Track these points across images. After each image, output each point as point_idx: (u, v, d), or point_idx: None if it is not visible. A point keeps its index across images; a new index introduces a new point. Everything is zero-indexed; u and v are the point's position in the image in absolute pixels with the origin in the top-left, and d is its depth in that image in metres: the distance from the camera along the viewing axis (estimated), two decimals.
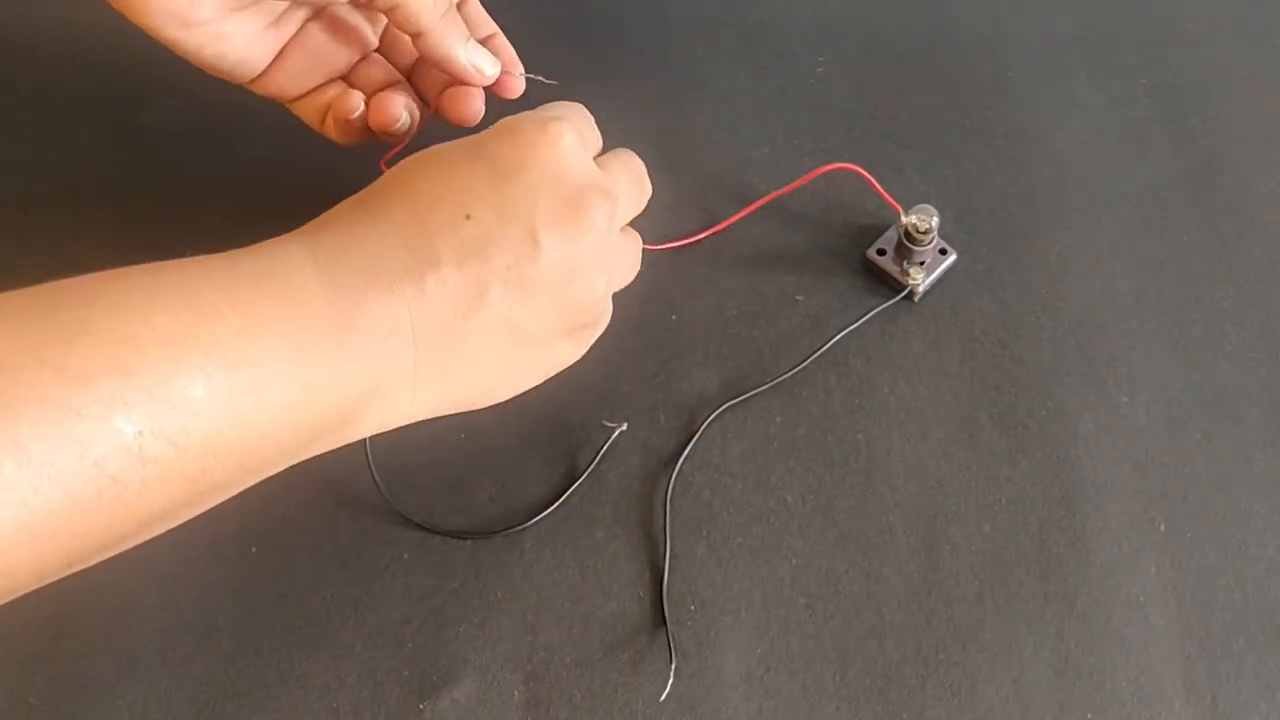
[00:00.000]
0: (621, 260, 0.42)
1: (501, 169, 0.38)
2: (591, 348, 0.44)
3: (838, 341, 0.49)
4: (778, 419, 0.48)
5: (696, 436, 0.47)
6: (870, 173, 0.50)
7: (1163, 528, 0.45)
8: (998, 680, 0.42)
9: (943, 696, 0.42)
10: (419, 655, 0.43)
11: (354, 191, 0.52)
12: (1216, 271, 0.52)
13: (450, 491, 0.46)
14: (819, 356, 0.48)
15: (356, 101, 0.45)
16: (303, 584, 0.44)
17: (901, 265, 0.50)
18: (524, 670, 0.42)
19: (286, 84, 0.45)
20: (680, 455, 0.46)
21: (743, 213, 0.51)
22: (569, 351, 0.42)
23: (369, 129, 0.46)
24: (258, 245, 0.36)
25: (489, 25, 0.48)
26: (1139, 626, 0.43)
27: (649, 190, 0.44)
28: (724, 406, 0.47)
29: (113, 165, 0.54)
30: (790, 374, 0.48)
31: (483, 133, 0.40)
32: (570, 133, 0.39)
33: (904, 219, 0.50)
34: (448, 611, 0.44)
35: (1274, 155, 0.55)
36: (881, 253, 0.51)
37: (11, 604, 0.31)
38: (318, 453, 0.36)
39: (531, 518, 0.45)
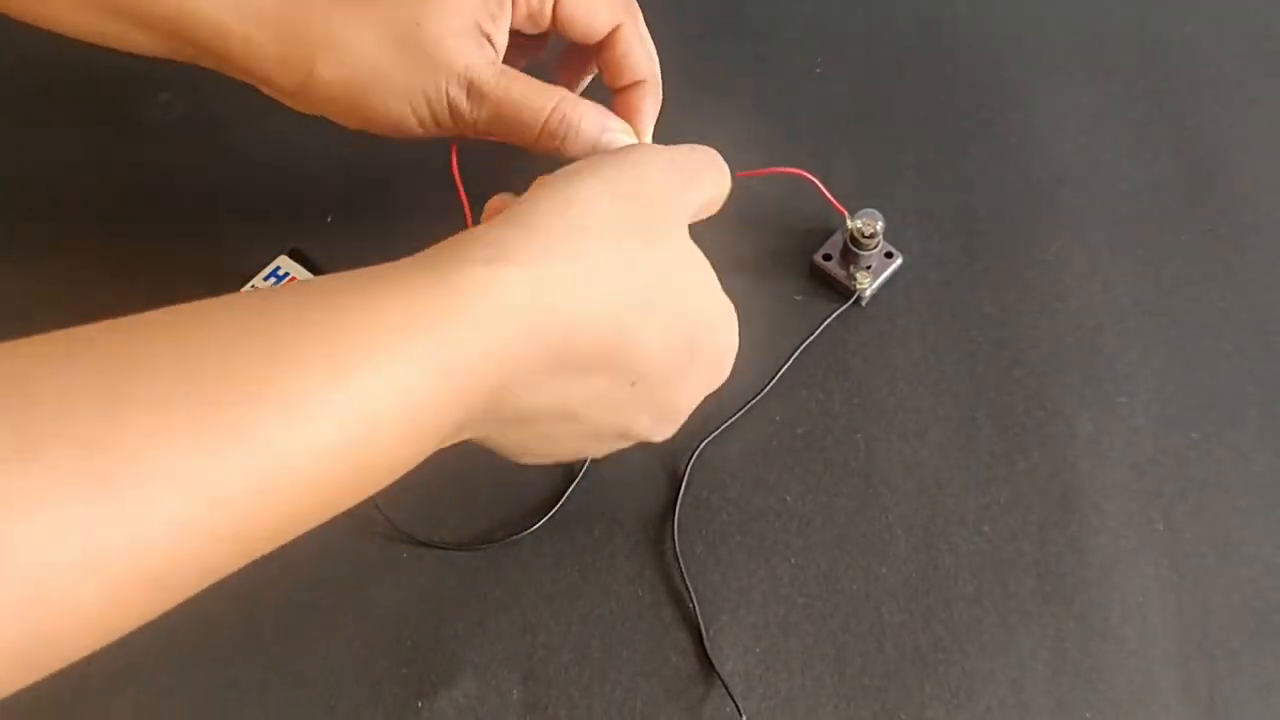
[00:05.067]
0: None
1: (697, 359, 0.37)
2: None
3: (809, 348, 0.49)
4: (777, 418, 0.48)
5: (685, 480, 0.47)
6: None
7: (1160, 528, 0.45)
8: (996, 680, 0.42)
9: (941, 696, 0.42)
10: (417, 654, 0.43)
11: (357, 187, 0.52)
12: (1214, 272, 0.52)
13: (448, 493, 0.46)
14: (782, 372, 0.48)
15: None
16: (302, 582, 0.44)
17: (848, 270, 0.50)
18: (522, 670, 0.42)
19: None
20: (678, 491, 0.46)
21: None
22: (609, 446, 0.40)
23: None
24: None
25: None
26: (1137, 626, 0.43)
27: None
28: (703, 443, 0.47)
29: (114, 165, 0.54)
30: (758, 397, 0.48)
31: (700, 302, 0.37)
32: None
33: (849, 223, 0.50)
34: (446, 610, 0.44)
35: (1272, 155, 0.55)
36: (828, 258, 0.50)
37: None
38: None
39: (530, 518, 0.45)
